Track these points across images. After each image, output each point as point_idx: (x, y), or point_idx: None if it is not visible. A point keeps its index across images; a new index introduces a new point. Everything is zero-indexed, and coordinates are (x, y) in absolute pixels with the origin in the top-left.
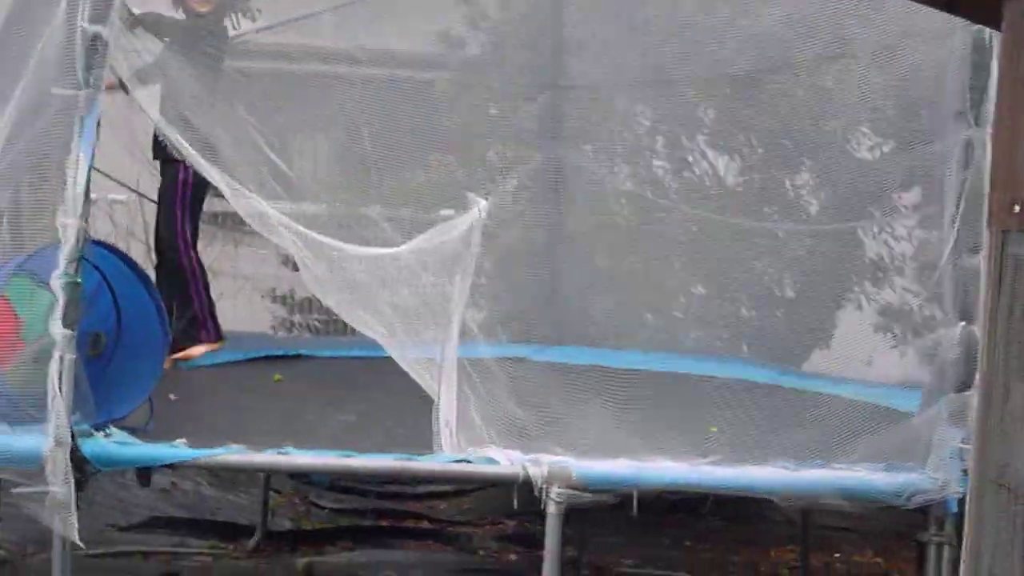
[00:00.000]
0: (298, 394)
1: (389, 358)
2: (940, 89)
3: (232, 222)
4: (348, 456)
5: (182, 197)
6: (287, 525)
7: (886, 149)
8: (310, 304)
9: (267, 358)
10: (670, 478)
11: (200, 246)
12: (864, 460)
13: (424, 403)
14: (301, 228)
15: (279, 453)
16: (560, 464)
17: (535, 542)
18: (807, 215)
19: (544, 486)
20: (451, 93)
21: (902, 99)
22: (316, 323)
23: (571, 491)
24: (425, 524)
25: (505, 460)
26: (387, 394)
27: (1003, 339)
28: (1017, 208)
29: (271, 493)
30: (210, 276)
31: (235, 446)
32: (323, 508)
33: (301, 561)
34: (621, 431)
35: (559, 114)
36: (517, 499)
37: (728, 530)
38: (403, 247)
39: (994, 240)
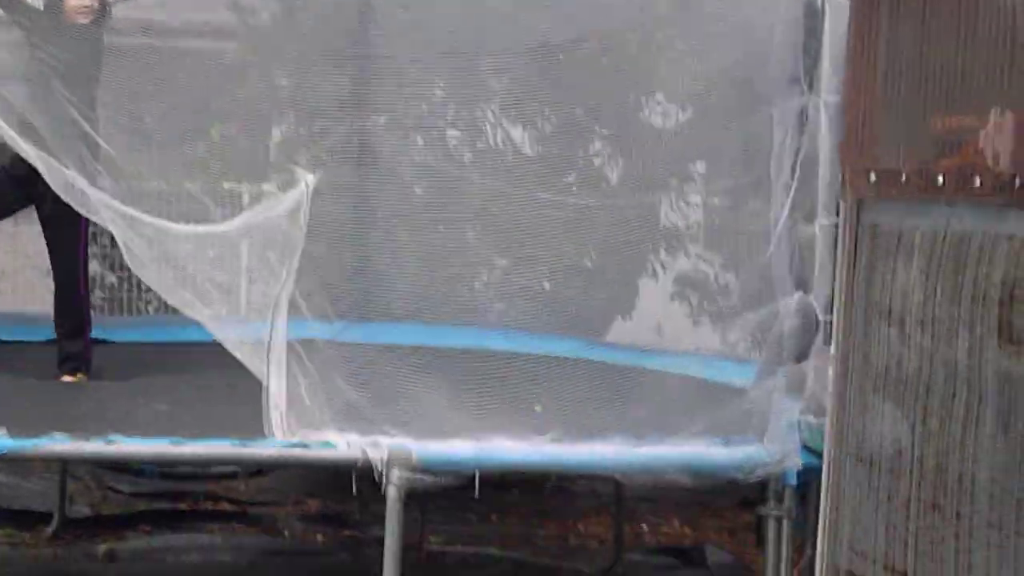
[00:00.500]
0: (103, 382)
1: (190, 342)
2: (768, 55)
3: None
4: (180, 443)
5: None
6: (86, 511)
7: (684, 117)
8: (92, 283)
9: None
10: (513, 458)
11: None
12: (700, 435)
13: (235, 389)
14: (122, 206)
15: (107, 442)
16: (400, 447)
17: (341, 522)
18: (607, 185)
19: (384, 469)
20: (241, 63)
21: (723, 65)
22: (97, 301)
23: (412, 474)
24: (225, 506)
25: (343, 443)
26: (196, 382)
27: (860, 309)
28: (873, 176)
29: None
30: None
31: (59, 435)
32: (120, 492)
33: (102, 547)
34: (455, 410)
35: (363, 86)
36: (354, 482)
37: (534, 503)
38: (228, 224)
39: (849, 209)
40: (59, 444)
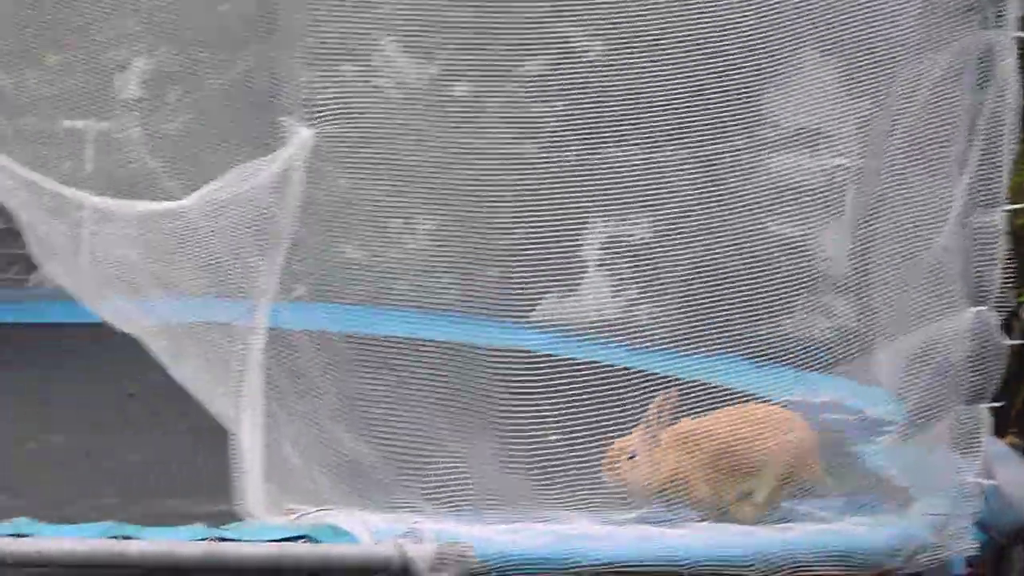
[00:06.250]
0: None
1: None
2: None
3: None
4: (122, 534)
5: None
6: None
7: None
8: None
9: None
10: (613, 554)
11: None
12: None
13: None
14: (34, 176)
15: (14, 536)
16: (452, 540)
17: None
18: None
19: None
20: None
21: None
22: None
23: None
24: None
25: (366, 536)
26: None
27: None
28: None
29: None
30: None
31: None
32: None
33: None
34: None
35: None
36: None
37: None
38: (188, 200)
39: None
40: None
